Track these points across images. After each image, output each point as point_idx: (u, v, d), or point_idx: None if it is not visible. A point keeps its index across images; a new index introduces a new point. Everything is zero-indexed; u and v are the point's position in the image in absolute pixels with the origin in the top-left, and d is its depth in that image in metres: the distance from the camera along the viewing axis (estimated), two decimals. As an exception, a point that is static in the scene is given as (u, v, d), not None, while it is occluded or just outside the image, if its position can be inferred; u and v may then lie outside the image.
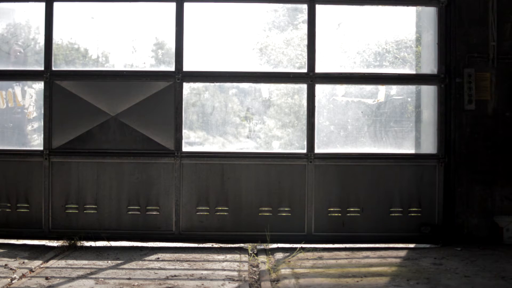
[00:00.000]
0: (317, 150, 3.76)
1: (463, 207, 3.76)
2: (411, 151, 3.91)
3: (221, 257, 3.44)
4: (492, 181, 3.76)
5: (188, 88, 3.85)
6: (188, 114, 3.84)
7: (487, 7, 3.74)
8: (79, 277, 2.92)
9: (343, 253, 3.50)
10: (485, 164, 3.76)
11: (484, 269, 3.04)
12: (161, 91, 3.75)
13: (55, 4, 3.75)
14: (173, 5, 3.77)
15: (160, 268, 3.14)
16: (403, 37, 3.90)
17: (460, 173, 3.76)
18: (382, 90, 3.89)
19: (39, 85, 3.84)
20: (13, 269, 3.01)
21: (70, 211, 3.76)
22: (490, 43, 3.74)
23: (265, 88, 3.86)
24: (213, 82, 3.86)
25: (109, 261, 3.29)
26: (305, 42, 3.78)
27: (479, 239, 3.72)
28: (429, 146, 3.89)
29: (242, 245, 3.76)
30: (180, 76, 3.76)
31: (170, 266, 3.19)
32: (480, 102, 3.76)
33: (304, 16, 3.80)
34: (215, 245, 3.79)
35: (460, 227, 3.75)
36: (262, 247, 3.74)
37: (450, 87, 3.79)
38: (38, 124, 3.86)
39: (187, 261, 3.33)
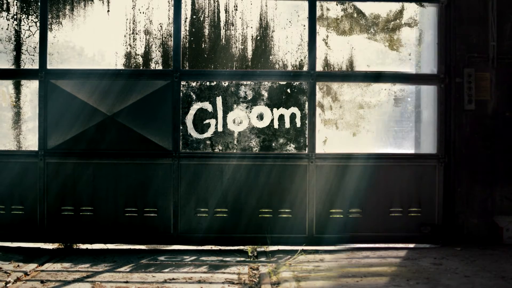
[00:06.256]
0: (318, 150, 3.74)
1: (463, 207, 3.76)
2: (411, 151, 3.91)
3: (220, 259, 3.40)
4: (492, 181, 3.76)
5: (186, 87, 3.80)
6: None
7: (487, 7, 3.74)
8: (75, 281, 2.87)
9: (344, 255, 3.48)
10: (485, 164, 3.76)
11: (484, 269, 3.04)
12: (159, 90, 3.70)
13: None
14: (171, 2, 3.72)
15: (158, 271, 3.09)
16: (405, 35, 3.89)
17: (460, 173, 3.76)
18: (382, 89, 3.88)
19: (34, 84, 3.77)
20: (8, 273, 2.96)
21: (66, 213, 3.69)
22: (490, 43, 3.74)
23: (265, 87, 3.82)
24: (211, 81, 3.81)
25: (106, 264, 3.24)
26: (306, 39, 3.75)
27: (479, 239, 3.72)
28: (429, 146, 3.88)
29: (242, 247, 3.72)
30: (178, 75, 3.71)
31: (168, 269, 3.14)
32: (480, 102, 3.77)
33: (305, 13, 3.77)
34: (214, 247, 3.75)
35: (460, 227, 3.75)
36: (262, 249, 3.71)
37: (450, 87, 3.79)
38: (33, 124, 3.78)
39: (185, 263, 3.28)
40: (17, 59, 3.77)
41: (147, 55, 3.78)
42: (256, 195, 3.70)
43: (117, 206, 3.68)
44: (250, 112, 3.79)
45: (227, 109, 3.79)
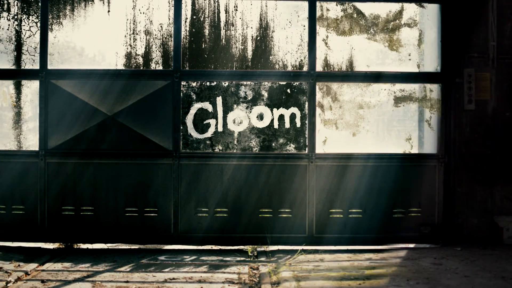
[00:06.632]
0: (318, 150, 3.74)
1: (463, 207, 3.76)
2: (411, 151, 3.91)
3: (220, 259, 3.40)
4: (492, 181, 3.76)
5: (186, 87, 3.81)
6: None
7: (487, 7, 3.74)
8: (76, 280, 2.87)
9: (345, 255, 3.48)
10: (485, 164, 3.76)
11: (484, 269, 3.04)
12: (159, 90, 3.71)
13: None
14: (171, 2, 3.73)
15: (158, 271, 3.10)
16: (404, 36, 3.90)
17: (460, 173, 3.76)
18: (382, 89, 3.88)
19: (35, 84, 3.78)
20: (9, 272, 2.97)
21: (67, 213, 3.70)
22: (490, 43, 3.74)
23: (265, 87, 3.82)
24: (211, 81, 3.82)
25: (106, 264, 3.24)
26: (306, 40, 3.76)
27: (479, 239, 3.73)
28: (429, 146, 3.89)
29: (242, 247, 3.73)
30: (178, 75, 3.72)
31: (168, 269, 3.15)
32: (480, 102, 3.77)
33: (305, 13, 3.78)
34: (214, 247, 3.75)
35: (460, 227, 3.75)
36: (262, 249, 3.72)
37: (450, 87, 3.79)
38: (34, 124, 3.79)
39: (185, 263, 3.29)
40: (18, 59, 3.78)
41: (147, 55, 3.79)
42: (256, 195, 3.70)
43: (117, 206, 3.69)
44: (250, 112, 3.80)
45: (227, 109, 3.79)
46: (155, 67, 3.79)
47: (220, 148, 3.79)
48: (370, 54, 3.87)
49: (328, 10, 3.84)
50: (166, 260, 3.38)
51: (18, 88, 3.81)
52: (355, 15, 3.83)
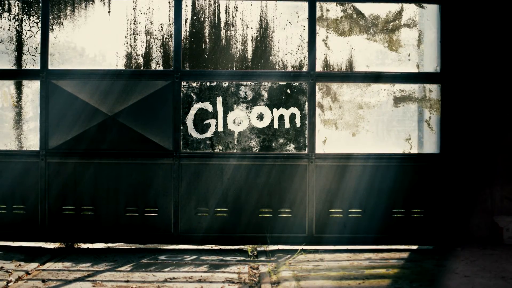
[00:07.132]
0: (318, 150, 3.75)
1: (463, 207, 3.76)
2: (411, 151, 3.91)
3: (220, 258, 3.41)
4: (492, 181, 3.77)
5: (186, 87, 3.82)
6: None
7: (487, 6, 3.75)
8: (76, 280, 2.88)
9: (344, 255, 3.49)
10: (485, 164, 3.77)
11: (484, 269, 3.05)
12: (159, 90, 3.72)
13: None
14: (171, 2, 3.74)
15: (159, 270, 3.11)
16: (404, 36, 3.90)
17: (460, 173, 3.76)
18: (382, 90, 3.89)
19: (35, 85, 3.79)
20: (9, 272, 2.98)
21: (67, 212, 3.71)
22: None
23: (265, 87, 3.83)
24: (212, 81, 3.83)
25: (107, 263, 3.25)
26: (306, 40, 3.77)
27: (479, 239, 3.73)
28: (428, 146, 3.89)
29: (242, 246, 3.74)
30: (178, 75, 3.73)
31: (169, 268, 3.16)
32: (480, 102, 3.77)
33: (305, 13, 3.79)
34: (215, 246, 3.76)
35: (460, 227, 3.76)
36: (262, 248, 3.73)
37: (450, 87, 3.79)
38: (34, 124, 3.80)
39: (186, 263, 3.30)
40: (19, 60, 3.79)
41: (147, 56, 3.80)
42: (256, 195, 3.71)
43: (118, 206, 3.70)
44: (250, 112, 3.81)
45: (227, 109, 3.80)
46: (156, 67, 3.80)
47: (220, 148, 3.80)
48: (370, 55, 3.87)
49: (328, 10, 3.85)
50: (167, 259, 3.39)
51: (19, 88, 3.82)
52: (354, 16, 3.84)
